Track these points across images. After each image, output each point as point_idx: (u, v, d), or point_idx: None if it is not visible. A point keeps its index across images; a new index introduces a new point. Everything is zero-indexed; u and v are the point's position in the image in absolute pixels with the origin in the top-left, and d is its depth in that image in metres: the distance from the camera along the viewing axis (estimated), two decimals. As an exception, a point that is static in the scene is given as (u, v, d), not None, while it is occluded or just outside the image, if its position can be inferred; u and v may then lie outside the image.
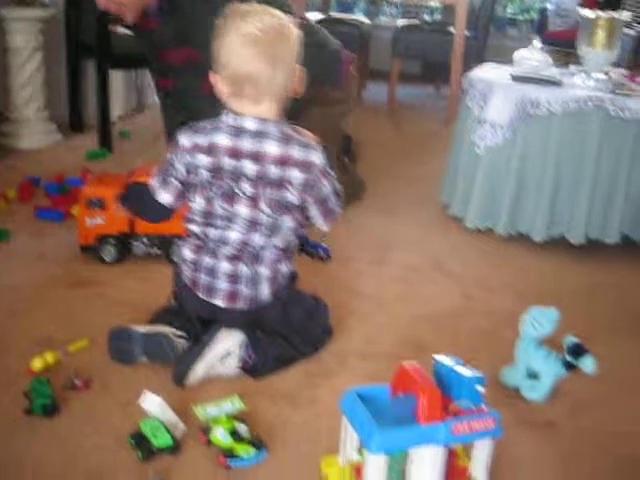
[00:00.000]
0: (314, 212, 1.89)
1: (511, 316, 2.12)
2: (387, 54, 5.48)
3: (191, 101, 2.64)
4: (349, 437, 1.50)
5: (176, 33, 2.60)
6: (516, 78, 2.86)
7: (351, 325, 2.17)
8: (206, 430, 1.59)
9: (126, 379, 1.83)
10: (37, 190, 3.11)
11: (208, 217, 1.86)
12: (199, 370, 1.79)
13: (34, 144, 3.84)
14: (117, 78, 4.09)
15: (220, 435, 1.56)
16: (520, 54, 3.09)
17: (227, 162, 1.80)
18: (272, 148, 1.79)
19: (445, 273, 2.59)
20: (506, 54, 3.61)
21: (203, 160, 1.81)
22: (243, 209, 1.83)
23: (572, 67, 3.18)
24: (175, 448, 1.56)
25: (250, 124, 1.79)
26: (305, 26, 2.90)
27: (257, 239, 1.86)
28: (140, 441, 1.55)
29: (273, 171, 1.80)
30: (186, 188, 1.87)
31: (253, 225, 1.84)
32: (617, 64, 3.24)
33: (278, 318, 1.94)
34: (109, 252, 2.40)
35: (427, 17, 6.43)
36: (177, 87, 2.75)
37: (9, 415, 1.67)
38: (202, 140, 1.81)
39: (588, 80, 2.90)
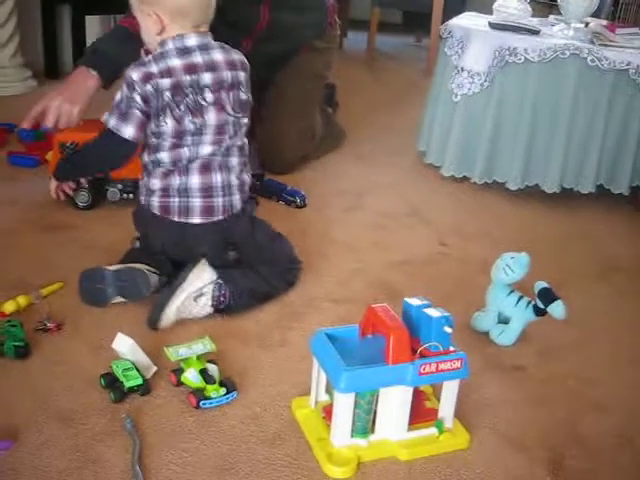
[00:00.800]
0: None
1: (485, 263, 2.12)
2: (368, 3, 5.44)
3: None
4: (319, 377, 1.51)
5: None
6: (494, 26, 2.84)
7: (323, 270, 2.17)
8: (177, 371, 1.60)
9: (98, 321, 1.83)
10: (11, 136, 3.08)
11: (179, 136, 1.87)
12: (172, 313, 1.80)
13: (8, 91, 3.80)
14: (93, 23, 4.03)
15: (191, 376, 1.57)
16: (500, 3, 3.07)
17: (186, 79, 1.85)
18: (219, 56, 1.90)
19: (421, 220, 2.60)
20: (487, 5, 3.59)
21: (163, 83, 1.83)
22: (212, 116, 1.88)
23: (552, 17, 3.17)
24: (146, 389, 1.56)
25: (193, 40, 1.88)
26: None
27: (224, 142, 1.92)
28: (111, 382, 1.56)
29: (227, 75, 1.91)
30: (148, 117, 1.86)
31: (222, 130, 1.91)
32: (597, 15, 3.23)
33: (246, 233, 1.99)
34: (83, 198, 2.39)
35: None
36: None
37: (-20, 357, 1.67)
38: (154, 68, 1.84)
39: (567, 30, 2.89)
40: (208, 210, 1.91)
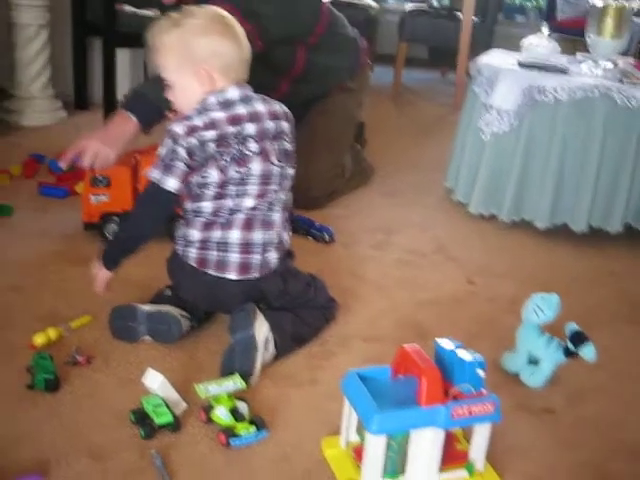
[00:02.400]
0: None
1: (513, 302, 2.13)
2: (394, 38, 5.47)
3: None
4: (350, 418, 1.51)
5: None
6: (523, 64, 2.85)
7: (353, 308, 2.17)
8: (207, 408, 1.60)
9: (128, 355, 1.83)
10: (41, 167, 3.12)
11: (223, 187, 1.86)
12: (259, 365, 1.79)
13: (39, 121, 3.84)
14: (123, 56, 4.08)
15: (221, 413, 1.57)
16: (528, 41, 3.08)
17: (230, 130, 1.86)
18: (261, 107, 1.92)
19: (448, 258, 2.59)
20: (514, 41, 3.61)
21: (207, 136, 1.83)
22: (257, 165, 1.88)
23: (580, 55, 3.17)
24: (176, 426, 1.56)
25: (235, 93, 1.90)
26: (330, 16, 2.94)
27: (268, 195, 1.92)
28: (141, 418, 1.56)
29: (270, 125, 1.92)
30: (192, 169, 1.85)
31: (266, 181, 1.90)
32: (625, 53, 3.23)
33: (277, 291, 1.95)
34: (113, 230, 2.40)
35: (435, 2, 6.39)
36: None
37: (11, 390, 1.68)
38: (198, 122, 1.84)
39: (596, 68, 2.89)
40: (245, 267, 1.89)
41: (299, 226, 2.60)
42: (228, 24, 1.90)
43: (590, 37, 2.98)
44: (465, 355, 1.46)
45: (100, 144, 2.33)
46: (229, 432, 1.54)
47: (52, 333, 1.86)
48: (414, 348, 1.46)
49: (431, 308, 2.22)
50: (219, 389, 1.59)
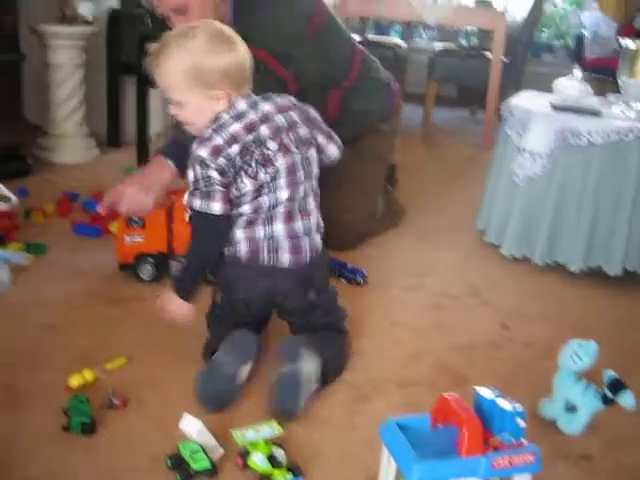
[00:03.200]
0: (321, 140, 2.06)
1: (548, 347, 2.11)
2: (423, 77, 5.49)
3: None
4: (388, 466, 1.49)
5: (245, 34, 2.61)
6: (556, 107, 2.85)
7: (387, 352, 2.16)
8: (244, 454, 1.59)
9: (164, 399, 1.83)
10: (75, 205, 3.15)
11: (257, 190, 1.90)
12: (304, 401, 1.81)
13: (73, 159, 3.89)
14: (155, 96, 4.12)
15: (258, 460, 1.56)
16: (560, 83, 3.08)
17: (249, 138, 1.89)
18: (267, 106, 1.95)
19: (481, 301, 2.57)
20: (542, 80, 3.61)
21: (232, 151, 1.87)
22: (281, 160, 1.92)
23: (611, 96, 3.16)
24: (213, 472, 1.55)
25: (242, 104, 1.93)
26: (364, 60, 2.96)
27: (301, 186, 1.96)
28: (178, 464, 1.55)
29: (281, 119, 1.95)
30: (227, 187, 1.88)
31: (293, 171, 1.94)
32: (657, 95, 3.22)
33: (322, 279, 2.04)
34: (147, 271, 2.41)
35: (463, 41, 6.43)
36: None
37: (47, 431, 1.68)
38: (220, 140, 1.87)
39: (629, 111, 2.89)
40: (295, 252, 1.94)
41: (331, 268, 2.60)
42: (230, 37, 1.92)
43: (622, 79, 2.98)
44: (505, 404, 1.45)
45: (137, 190, 2.33)
46: (266, 478, 1.53)
47: (88, 375, 1.86)
48: (454, 397, 1.45)
49: (465, 352, 2.21)
50: (256, 435, 1.58)
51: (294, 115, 1.99)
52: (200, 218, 1.90)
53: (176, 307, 1.94)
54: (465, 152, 4.87)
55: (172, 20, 2.48)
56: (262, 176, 1.89)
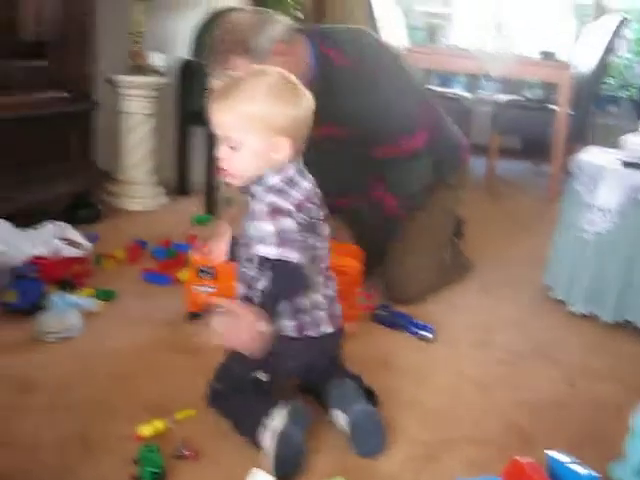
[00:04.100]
0: None
1: (618, 408, 2.08)
2: (486, 128, 5.50)
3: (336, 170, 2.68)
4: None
5: (324, 111, 2.64)
6: (627, 164, 2.83)
7: (454, 409, 2.14)
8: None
9: (236, 453, 1.82)
10: (144, 252, 3.20)
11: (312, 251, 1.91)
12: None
13: (142, 206, 3.97)
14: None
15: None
16: (628, 139, 3.06)
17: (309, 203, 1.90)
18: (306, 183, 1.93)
19: (548, 358, 2.54)
20: (607, 132, 3.58)
21: (309, 208, 1.88)
22: (322, 227, 1.95)
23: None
24: (281, 528, 1.56)
25: (292, 170, 1.90)
26: (436, 116, 2.97)
27: (326, 251, 2.00)
28: (248, 518, 1.56)
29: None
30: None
31: (325, 238, 1.98)
32: None
33: (340, 344, 2.07)
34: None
35: (527, 93, 6.41)
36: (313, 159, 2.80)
37: (117, 480, 1.70)
38: (299, 194, 1.87)
39: (699, 167, 2.86)
40: (332, 317, 1.97)
41: (398, 322, 2.60)
42: (300, 89, 1.89)
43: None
44: (579, 469, 1.44)
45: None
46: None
47: (158, 424, 1.88)
48: (528, 461, 1.44)
49: (533, 411, 2.17)
50: (325, 492, 1.59)
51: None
52: (280, 267, 1.81)
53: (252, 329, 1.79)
54: (530, 205, 4.85)
55: None
56: (310, 241, 1.89)
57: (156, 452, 1.74)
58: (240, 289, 2.00)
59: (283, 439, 1.74)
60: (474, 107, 5.98)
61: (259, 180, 1.88)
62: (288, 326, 1.92)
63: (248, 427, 1.85)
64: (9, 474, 1.69)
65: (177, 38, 4.48)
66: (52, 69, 3.38)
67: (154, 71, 3.98)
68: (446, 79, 6.79)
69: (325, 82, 2.58)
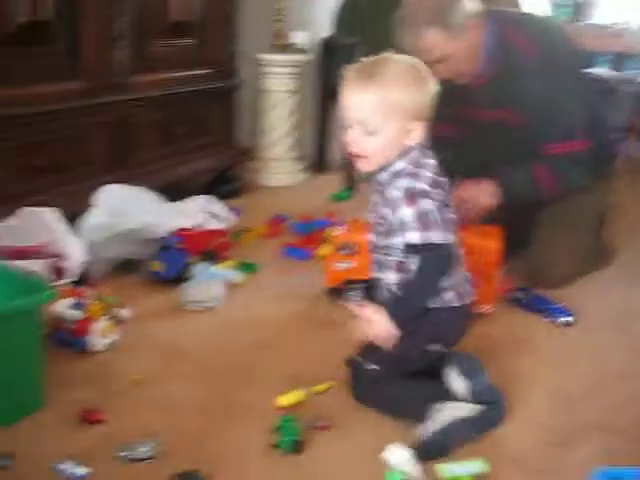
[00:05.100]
0: None
1: None
2: (630, 109, 5.30)
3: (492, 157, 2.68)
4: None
5: (500, 95, 2.61)
6: None
7: (591, 395, 2.10)
8: (447, 488, 1.61)
9: (371, 427, 1.86)
10: (284, 227, 3.27)
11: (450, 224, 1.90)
12: None
13: (282, 182, 4.06)
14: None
15: (460, 494, 1.57)
16: None
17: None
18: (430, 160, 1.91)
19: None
20: None
21: (442, 183, 1.88)
22: (450, 199, 1.94)
23: None
24: (417, 503, 1.58)
25: (415, 151, 1.88)
26: (601, 118, 2.90)
27: None
28: (383, 491, 1.59)
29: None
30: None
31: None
32: None
33: None
34: (356, 298, 2.46)
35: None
36: (472, 140, 2.77)
37: (256, 446, 1.76)
38: (428, 172, 1.86)
39: None
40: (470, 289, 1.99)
41: (536, 305, 2.56)
42: (427, 72, 1.87)
43: None
44: None
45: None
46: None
47: (297, 396, 1.94)
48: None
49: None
50: (461, 470, 1.60)
51: None
52: (438, 250, 1.82)
53: (384, 330, 1.83)
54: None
55: (431, 67, 2.48)
56: (448, 215, 1.89)
57: (295, 422, 1.79)
58: (374, 272, 2.01)
59: (448, 430, 1.76)
60: (618, 87, 5.78)
61: (386, 166, 1.87)
62: (450, 297, 1.92)
63: (410, 405, 1.88)
64: (156, 432, 1.78)
65: (319, 16, 4.53)
66: (198, 47, 3.49)
67: (296, 49, 4.04)
68: (590, 58, 6.58)
69: (507, 66, 2.56)
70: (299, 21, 4.25)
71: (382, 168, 1.87)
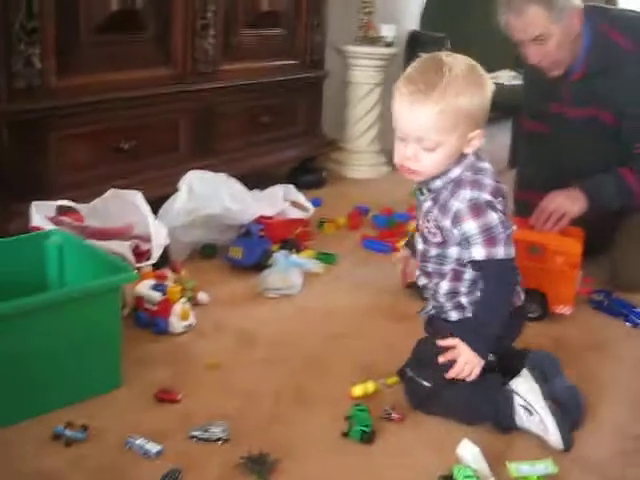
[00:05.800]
0: None
1: None
2: None
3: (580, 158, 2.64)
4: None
5: (592, 93, 2.56)
6: None
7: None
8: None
9: (442, 421, 1.85)
10: (365, 219, 3.27)
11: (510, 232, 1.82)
12: None
13: (364, 174, 4.06)
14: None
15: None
16: None
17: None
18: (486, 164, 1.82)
19: None
20: None
21: (500, 189, 1.79)
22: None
23: None
24: (483, 499, 1.57)
25: (471, 157, 1.79)
26: None
27: None
28: (451, 485, 1.58)
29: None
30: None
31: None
32: None
33: None
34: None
35: None
36: (561, 138, 2.74)
37: (327, 434, 1.77)
38: (488, 180, 1.76)
39: None
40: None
41: (617, 309, 2.51)
42: (482, 70, 1.74)
43: None
44: None
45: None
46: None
47: (370, 387, 1.94)
48: None
49: None
50: (530, 470, 1.58)
51: None
52: (507, 267, 1.77)
53: (474, 365, 1.76)
54: None
55: (526, 48, 2.46)
56: (508, 223, 1.81)
57: (366, 412, 1.80)
58: (421, 280, 1.97)
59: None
60: None
61: (440, 174, 1.77)
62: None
63: (475, 406, 1.83)
64: (228, 415, 1.81)
65: (406, 9, 4.51)
66: (285, 38, 3.51)
67: (383, 42, 4.02)
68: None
69: (604, 63, 2.51)
70: (386, 14, 4.24)
71: (435, 176, 1.77)
